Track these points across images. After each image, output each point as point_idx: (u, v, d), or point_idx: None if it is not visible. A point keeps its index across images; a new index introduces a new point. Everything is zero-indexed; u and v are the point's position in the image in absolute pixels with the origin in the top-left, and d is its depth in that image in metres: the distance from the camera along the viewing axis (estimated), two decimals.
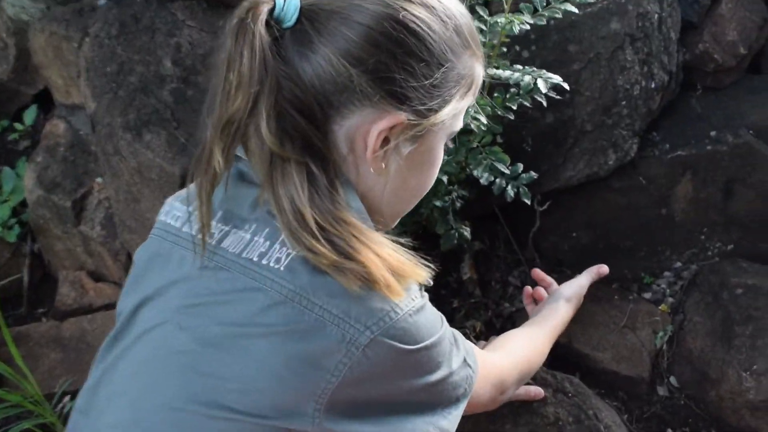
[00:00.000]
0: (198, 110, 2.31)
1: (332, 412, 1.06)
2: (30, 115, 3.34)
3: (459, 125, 1.20)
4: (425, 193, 1.25)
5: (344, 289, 1.03)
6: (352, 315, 1.03)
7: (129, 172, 2.44)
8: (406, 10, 1.09)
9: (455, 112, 1.16)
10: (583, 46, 2.26)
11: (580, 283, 1.96)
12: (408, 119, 1.10)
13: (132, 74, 2.50)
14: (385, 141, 1.13)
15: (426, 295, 1.16)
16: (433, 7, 1.12)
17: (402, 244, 1.10)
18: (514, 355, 1.62)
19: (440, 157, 1.20)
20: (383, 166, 1.15)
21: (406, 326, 1.06)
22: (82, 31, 2.68)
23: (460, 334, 1.29)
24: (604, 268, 1.98)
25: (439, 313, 1.20)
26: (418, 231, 2.29)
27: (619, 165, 2.36)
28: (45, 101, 3.31)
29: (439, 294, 2.43)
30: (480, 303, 2.43)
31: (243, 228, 1.13)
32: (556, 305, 1.87)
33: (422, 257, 1.10)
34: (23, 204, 3.06)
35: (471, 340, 2.05)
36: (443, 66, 1.11)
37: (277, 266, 1.07)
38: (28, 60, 3.18)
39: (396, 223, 1.29)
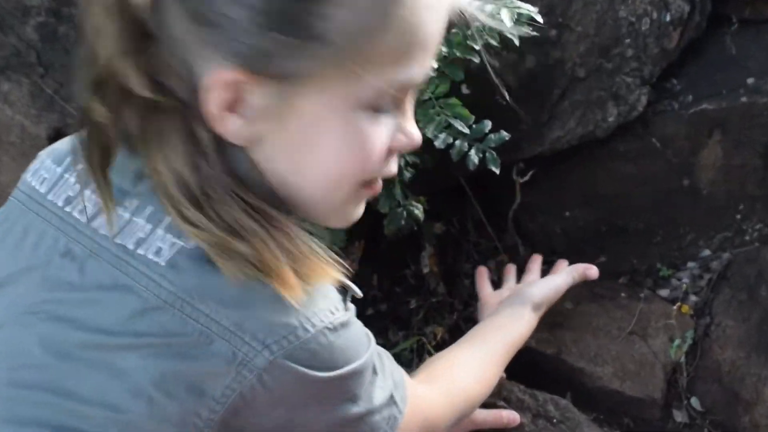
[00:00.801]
0: (72, 52, 2.16)
1: None
2: None
3: (367, 93, 1.05)
4: (349, 184, 1.12)
5: (240, 296, 1.00)
6: (247, 329, 0.99)
7: None
8: None
9: (320, 68, 1.01)
10: None
11: (556, 285, 1.86)
12: (238, 75, 0.99)
13: None
14: (239, 105, 1.03)
15: (352, 308, 1.14)
16: None
17: (319, 237, 1.09)
18: (454, 388, 1.54)
19: (348, 134, 1.07)
20: (238, 132, 1.04)
21: (318, 348, 1.03)
22: None
23: (390, 358, 1.26)
24: (593, 270, 1.89)
25: (367, 332, 1.17)
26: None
27: (624, 122, 2.23)
28: None
29: (392, 292, 2.40)
30: (444, 303, 2.35)
31: (123, 204, 1.07)
32: (520, 312, 1.78)
33: (344, 263, 1.09)
34: None
35: (428, 351, 2.14)
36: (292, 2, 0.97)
37: (156, 260, 1.03)
38: None
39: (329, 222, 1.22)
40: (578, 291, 2.27)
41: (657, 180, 2.34)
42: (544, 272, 2.22)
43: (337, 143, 1.07)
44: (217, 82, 0.99)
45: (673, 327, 2.22)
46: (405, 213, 2.02)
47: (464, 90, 2.08)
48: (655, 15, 2.18)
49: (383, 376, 1.20)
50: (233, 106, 1.01)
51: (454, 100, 1.91)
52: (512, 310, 1.78)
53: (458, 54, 1.87)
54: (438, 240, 2.36)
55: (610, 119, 2.22)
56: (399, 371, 1.28)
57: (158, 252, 1.03)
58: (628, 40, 2.18)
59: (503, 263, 2.33)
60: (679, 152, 2.30)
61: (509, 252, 2.39)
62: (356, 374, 1.11)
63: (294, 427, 1.09)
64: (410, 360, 2.18)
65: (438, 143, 1.87)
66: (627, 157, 2.32)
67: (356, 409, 1.14)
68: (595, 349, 2.19)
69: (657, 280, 2.40)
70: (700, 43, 2.37)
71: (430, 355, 2.11)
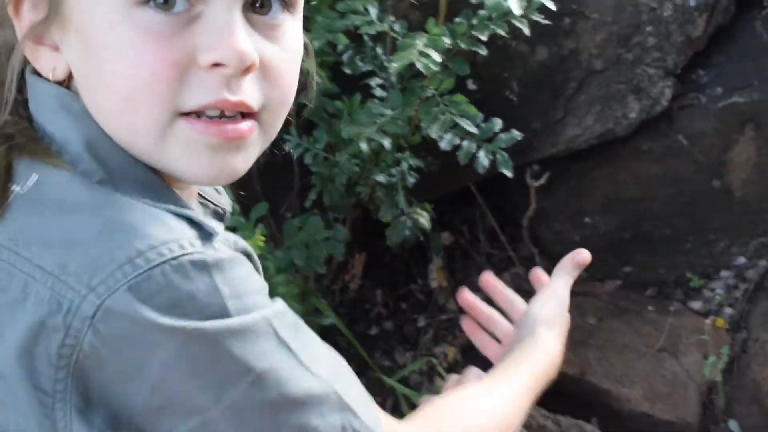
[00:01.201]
0: None
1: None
2: None
3: None
4: (149, 103, 0.96)
5: (67, 233, 0.90)
6: (71, 270, 0.86)
7: None
8: None
9: None
10: None
11: (557, 293, 1.56)
12: None
13: None
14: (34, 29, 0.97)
15: (224, 250, 0.93)
16: None
17: None
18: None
19: (113, 41, 0.94)
20: (53, 65, 0.97)
21: (158, 287, 0.86)
22: None
23: (341, 363, 1.02)
24: (583, 254, 1.55)
25: (265, 286, 0.98)
26: (356, 217, 2.24)
27: (647, 118, 2.24)
28: None
29: (397, 308, 2.38)
30: (455, 320, 2.30)
31: None
32: (531, 340, 1.49)
33: None
34: None
35: (439, 374, 2.12)
36: None
37: None
38: None
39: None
40: (601, 305, 2.24)
41: (684, 181, 2.34)
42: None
43: (115, 50, 0.95)
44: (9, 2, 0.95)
45: (707, 343, 2.20)
46: (409, 222, 2.04)
47: (470, 86, 2.11)
48: (678, 0, 2.22)
49: (311, 360, 1.00)
50: (38, 37, 0.95)
51: (459, 97, 1.90)
52: (524, 343, 1.66)
53: (463, 46, 1.86)
54: (446, 251, 2.35)
55: (632, 115, 2.22)
56: (362, 391, 1.04)
57: None
58: (649, 28, 2.19)
59: (518, 276, 2.26)
60: (708, 150, 2.31)
61: (524, 263, 2.36)
62: (235, 334, 0.91)
63: (177, 407, 0.90)
64: (419, 383, 2.13)
65: (443, 144, 1.87)
66: (651, 157, 2.33)
67: (259, 391, 0.92)
68: (622, 369, 2.17)
69: (687, 292, 2.40)
70: (728, 30, 2.38)
71: (442, 377, 2.06)
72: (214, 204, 1.18)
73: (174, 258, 0.86)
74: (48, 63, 0.97)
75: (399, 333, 2.36)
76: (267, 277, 1.77)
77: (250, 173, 0.98)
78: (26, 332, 0.86)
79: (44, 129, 0.98)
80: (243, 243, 0.95)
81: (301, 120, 1.93)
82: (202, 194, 1.16)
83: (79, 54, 0.96)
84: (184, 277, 0.87)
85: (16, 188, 0.95)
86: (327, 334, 2.28)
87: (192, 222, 0.92)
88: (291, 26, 0.97)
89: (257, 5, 0.94)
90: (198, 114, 0.93)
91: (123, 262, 0.85)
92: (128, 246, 0.85)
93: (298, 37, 1.00)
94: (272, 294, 1.59)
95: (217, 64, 0.90)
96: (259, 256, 1.83)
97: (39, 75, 0.99)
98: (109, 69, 0.93)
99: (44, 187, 0.94)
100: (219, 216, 1.19)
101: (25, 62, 0.99)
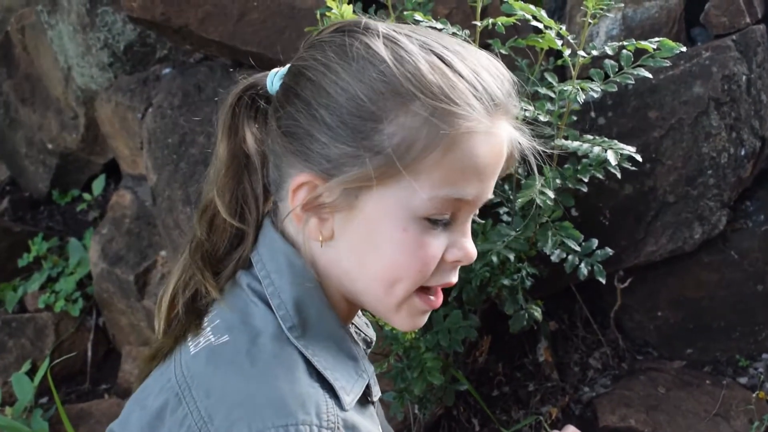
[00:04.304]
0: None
1: None
2: (98, 185, 3.55)
3: (422, 205, 1.05)
4: (404, 287, 1.10)
5: (228, 388, 1.00)
6: (215, 420, 0.99)
7: None
8: (312, 57, 1.09)
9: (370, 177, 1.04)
10: (664, 111, 2.31)
11: None
12: (314, 179, 1.06)
13: (193, 146, 2.62)
14: (315, 205, 1.09)
15: (355, 418, 1.05)
16: (361, 47, 1.05)
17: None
18: None
19: (403, 239, 1.07)
20: (315, 229, 1.10)
21: None
22: (145, 101, 2.83)
23: None
24: None
25: None
26: (485, 309, 2.34)
27: (707, 238, 2.39)
28: (114, 171, 3.50)
29: (514, 377, 2.47)
30: (557, 387, 2.47)
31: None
32: None
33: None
34: (89, 276, 3.23)
35: (545, 428, 2.20)
36: (356, 120, 1.03)
37: (194, 351, 1.09)
38: (97, 130, 3.39)
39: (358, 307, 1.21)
40: (670, 378, 2.35)
41: (736, 286, 2.45)
42: (640, 363, 2.35)
43: (393, 246, 1.07)
44: (297, 183, 1.06)
45: (752, 411, 2.31)
46: (526, 315, 2.17)
47: (574, 213, 2.26)
48: (732, 150, 2.34)
49: None
50: (310, 206, 1.07)
51: (567, 223, 2.05)
52: None
53: (569, 185, 2.05)
54: (552, 334, 2.47)
55: (696, 236, 2.36)
56: None
57: (197, 346, 1.09)
58: (710, 171, 2.33)
59: (606, 354, 2.44)
60: (754, 263, 2.43)
61: (611, 345, 2.48)
62: None
63: None
64: None
65: (554, 258, 2.04)
66: (710, 267, 2.44)
67: None
68: (686, 429, 2.27)
69: (736, 370, 2.49)
70: None
71: (547, 431, 2.22)
72: (364, 334, 1.33)
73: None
74: (315, 227, 1.09)
75: (514, 395, 2.45)
76: (418, 354, 2.14)
77: None
78: None
79: (264, 265, 1.11)
80: (351, 420, 1.03)
81: None
82: (357, 327, 1.31)
83: (357, 236, 1.08)
84: None
85: (210, 338, 1.08)
86: (461, 396, 2.37)
87: (333, 392, 1.03)
88: None
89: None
90: (425, 289, 1.10)
91: (260, 427, 0.95)
92: (259, 419, 0.96)
93: None
94: (421, 366, 1.94)
95: (456, 261, 1.09)
96: (413, 339, 2.12)
97: (273, 225, 1.13)
98: (389, 257, 1.07)
99: (228, 348, 1.05)
100: (368, 343, 1.33)
101: (270, 211, 1.14)
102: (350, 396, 1.05)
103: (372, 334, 1.35)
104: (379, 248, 1.07)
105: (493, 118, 1.04)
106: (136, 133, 2.94)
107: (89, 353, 3.14)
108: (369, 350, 1.33)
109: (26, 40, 3.66)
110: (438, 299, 1.13)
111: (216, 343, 1.06)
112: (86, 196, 3.60)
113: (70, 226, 3.55)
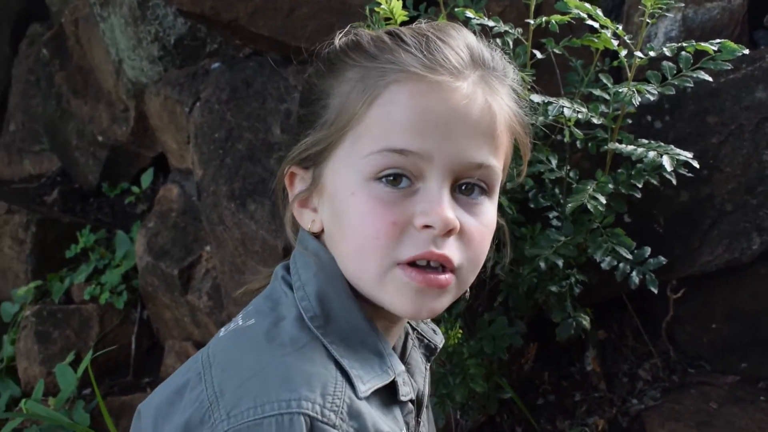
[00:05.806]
0: None
1: None
2: (147, 178, 3.59)
3: (364, 163, 1.10)
4: (375, 256, 1.11)
5: (242, 364, 1.04)
6: (225, 393, 1.02)
7: (233, 242, 2.53)
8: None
9: (319, 143, 1.15)
10: (724, 116, 2.27)
11: None
12: (294, 169, 1.19)
13: (240, 141, 2.62)
14: (303, 198, 1.21)
15: (363, 414, 1.06)
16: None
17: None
18: None
19: (360, 202, 1.10)
20: (313, 222, 1.19)
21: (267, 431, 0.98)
22: (194, 96, 2.84)
23: None
24: None
25: None
26: (532, 315, 2.33)
27: (766, 249, 2.33)
28: (163, 165, 3.54)
29: (560, 386, 2.46)
30: (604, 398, 2.44)
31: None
32: None
33: None
34: (135, 269, 3.27)
35: None
36: (308, 107, 1.19)
37: (223, 333, 1.15)
38: (147, 123, 3.42)
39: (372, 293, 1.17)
40: (722, 393, 2.31)
41: None
42: (692, 377, 2.32)
43: (349, 213, 1.11)
44: (285, 177, 1.19)
45: None
46: (574, 323, 2.15)
47: (626, 219, 2.23)
48: None
49: None
50: (301, 201, 1.17)
51: (618, 230, 2.04)
52: None
53: (623, 190, 2.01)
54: (600, 343, 2.44)
55: (754, 247, 2.30)
56: None
57: (227, 328, 1.16)
58: None
59: (656, 365, 2.41)
60: None
61: (662, 356, 2.44)
62: None
63: None
64: None
65: (604, 265, 2.00)
66: None
67: None
68: None
69: None
70: None
71: None
72: (428, 340, 1.35)
73: (287, 413, 0.97)
74: (308, 219, 1.18)
75: (560, 405, 2.43)
76: (461, 360, 2.14)
77: None
78: (181, 427, 1.03)
79: (295, 258, 1.18)
80: (359, 409, 1.04)
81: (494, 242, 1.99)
82: (420, 332, 1.34)
83: (329, 214, 1.15)
84: (279, 430, 0.97)
85: (239, 321, 1.13)
86: (505, 404, 2.35)
87: (348, 378, 1.05)
88: (488, 206, 1.14)
89: (463, 188, 1.11)
90: (411, 264, 1.09)
91: (255, 404, 0.98)
92: (264, 393, 0.98)
93: (492, 215, 1.16)
94: (464, 372, 1.89)
95: (427, 226, 1.07)
96: (456, 344, 2.09)
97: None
98: (348, 226, 1.11)
99: (251, 329, 1.09)
100: (431, 350, 1.35)
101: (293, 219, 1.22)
102: (366, 386, 1.07)
103: (438, 340, 1.36)
104: (342, 219, 1.12)
105: (434, 72, 1.08)
106: (183, 127, 2.95)
107: (133, 346, 3.18)
108: (432, 357, 1.35)
109: (79, 32, 3.72)
110: (430, 274, 1.10)
111: (242, 326, 1.11)
112: (135, 189, 3.64)
113: (119, 219, 3.59)
